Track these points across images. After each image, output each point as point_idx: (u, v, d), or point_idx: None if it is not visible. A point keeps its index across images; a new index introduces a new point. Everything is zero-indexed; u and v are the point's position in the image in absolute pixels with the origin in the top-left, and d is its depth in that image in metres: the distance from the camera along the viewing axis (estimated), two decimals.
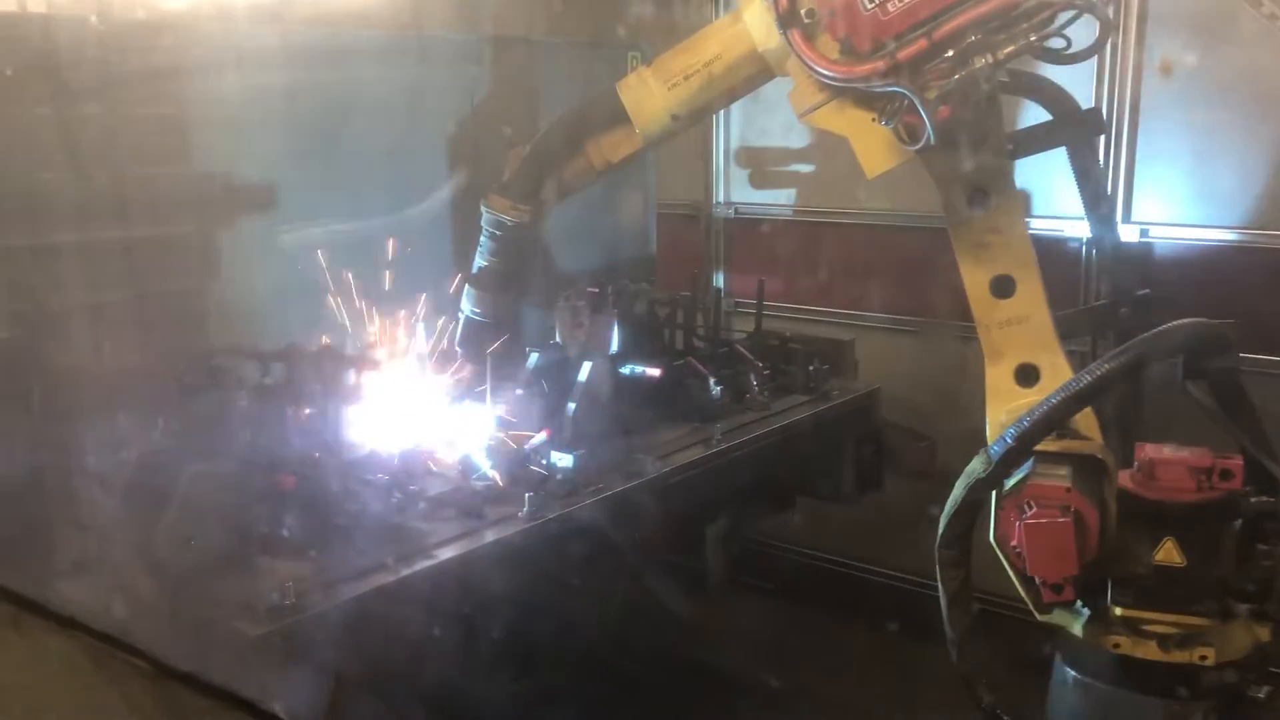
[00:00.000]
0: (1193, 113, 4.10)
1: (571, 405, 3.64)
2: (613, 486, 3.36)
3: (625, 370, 3.88)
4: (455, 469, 3.28)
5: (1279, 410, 3.02)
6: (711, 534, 4.85)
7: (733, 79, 3.12)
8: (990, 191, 2.89)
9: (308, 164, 3.65)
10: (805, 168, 5.15)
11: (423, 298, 3.49)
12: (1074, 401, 2.66)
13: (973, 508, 2.78)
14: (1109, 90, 4.18)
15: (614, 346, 4.00)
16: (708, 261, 5.41)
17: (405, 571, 2.81)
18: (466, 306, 3.64)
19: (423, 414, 3.45)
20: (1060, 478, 2.75)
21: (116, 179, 3.18)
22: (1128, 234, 4.17)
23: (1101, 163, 4.13)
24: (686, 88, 3.15)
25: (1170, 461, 2.79)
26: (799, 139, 5.03)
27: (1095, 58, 4.06)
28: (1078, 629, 2.90)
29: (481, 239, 3.59)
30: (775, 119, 4.93)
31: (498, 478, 3.22)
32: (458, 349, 3.62)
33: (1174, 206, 4.19)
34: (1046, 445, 2.79)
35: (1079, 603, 2.86)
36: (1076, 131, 3.43)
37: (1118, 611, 2.81)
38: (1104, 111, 4.13)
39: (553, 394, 3.65)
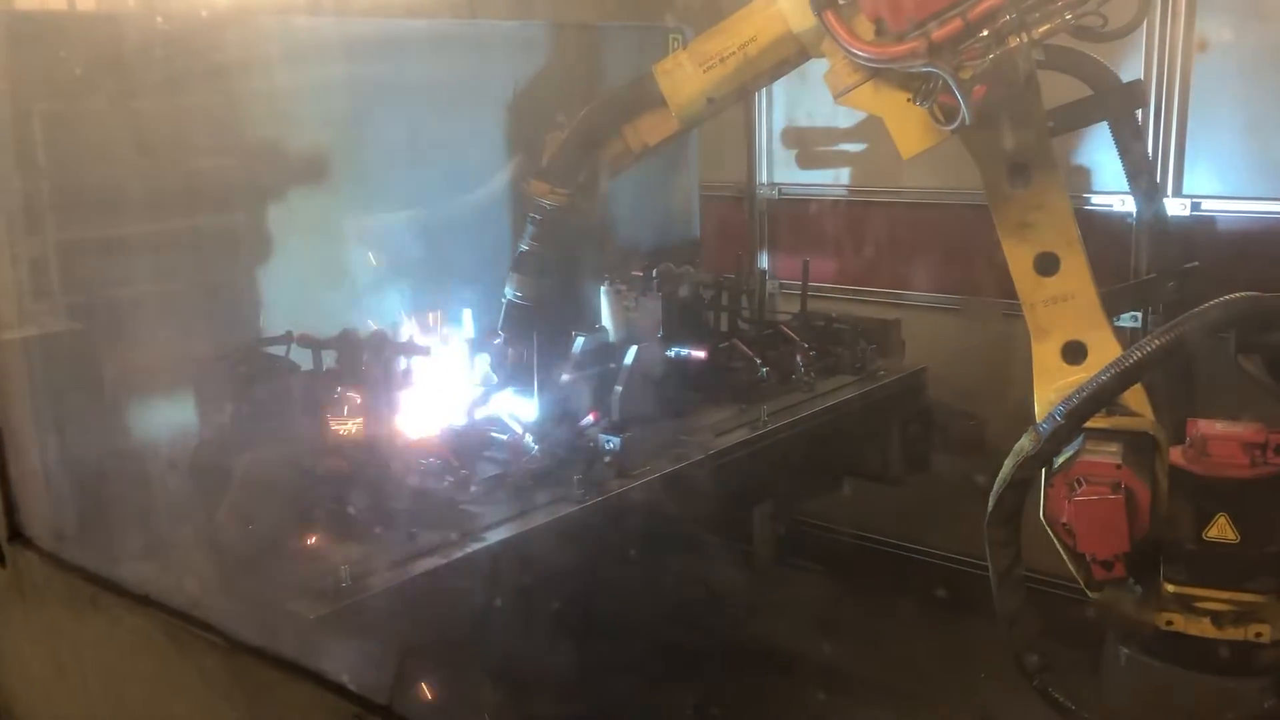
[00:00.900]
0: (1245, 84, 4.02)
1: (618, 388, 3.67)
2: (660, 469, 3.38)
3: (671, 353, 3.90)
4: (505, 452, 3.33)
5: None
6: (759, 515, 4.88)
7: (768, 61, 3.13)
8: (1031, 168, 2.87)
9: (362, 154, 3.70)
10: (849, 147, 5.11)
11: (470, 285, 3.54)
12: (1123, 378, 2.64)
13: (1022, 485, 2.77)
14: (1158, 63, 4.11)
15: (660, 329, 4.02)
16: (752, 243, 5.40)
17: (456, 554, 2.86)
18: (509, 290, 3.70)
19: (472, 398, 3.50)
20: (1111, 454, 2.74)
21: (169, 172, 3.25)
22: (1179, 208, 4.11)
23: (1150, 137, 4.07)
24: (722, 70, 3.17)
25: (1223, 437, 2.77)
26: (843, 119, 5.00)
27: (1144, 30, 4.07)
28: (1130, 606, 2.89)
29: (527, 224, 3.65)
30: (819, 98, 4.89)
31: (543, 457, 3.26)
32: (500, 333, 3.69)
33: (1226, 180, 4.11)
34: (1097, 422, 2.77)
35: (1131, 580, 2.84)
36: (1117, 105, 3.38)
37: (1170, 588, 2.80)
38: (1153, 84, 4.06)
39: (600, 377, 3.68)
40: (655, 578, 3.56)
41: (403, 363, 3.36)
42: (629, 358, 3.70)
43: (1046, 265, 2.95)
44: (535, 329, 3.56)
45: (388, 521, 2.89)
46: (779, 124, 5.33)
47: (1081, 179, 4.33)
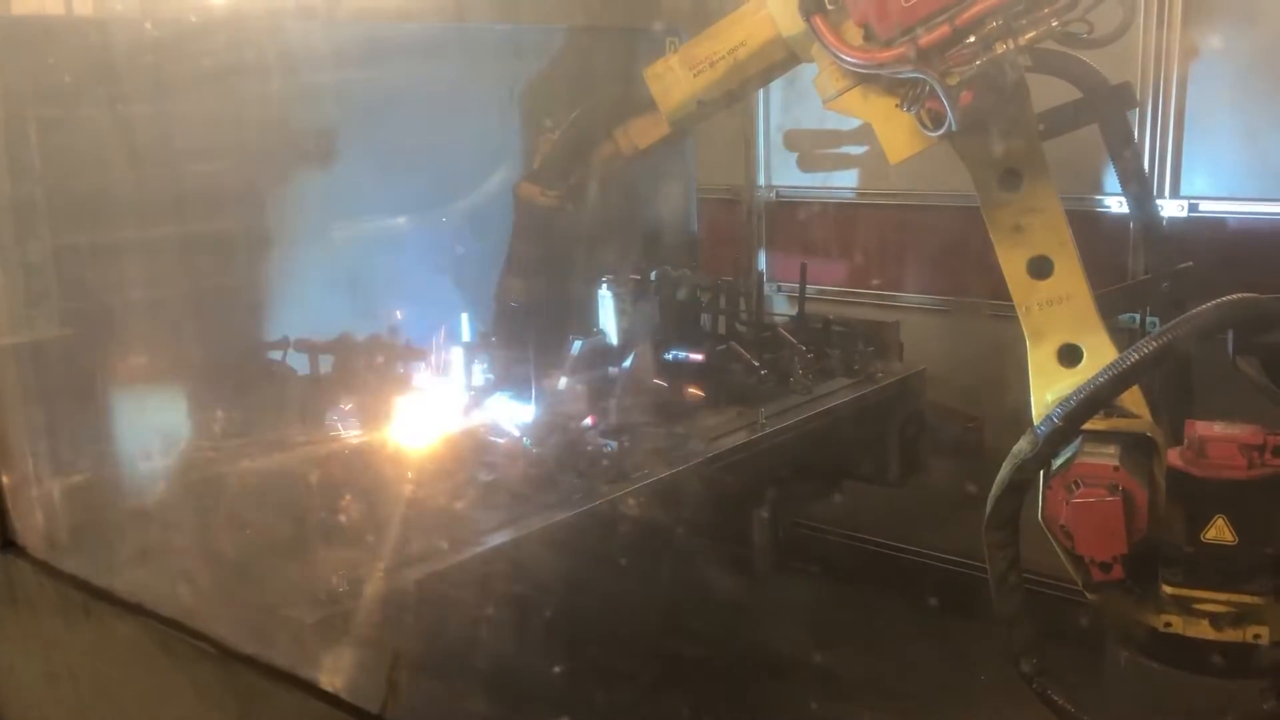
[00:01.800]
0: (1241, 85, 4.02)
1: (616, 391, 3.67)
2: (658, 472, 3.38)
3: (668, 356, 3.90)
4: (502, 455, 3.32)
5: None
6: (757, 518, 4.87)
7: (758, 65, 3.14)
8: (1022, 173, 2.87)
9: (352, 159, 3.70)
10: (847, 150, 5.12)
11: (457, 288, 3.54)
12: (1120, 380, 2.64)
13: (1020, 488, 2.77)
14: (1154, 66, 4.11)
15: (657, 332, 4.02)
16: (749, 245, 5.40)
17: (455, 558, 2.86)
18: (500, 293, 3.72)
19: (468, 401, 3.50)
20: (1108, 456, 2.73)
21: (163, 178, 3.24)
22: (1176, 209, 4.11)
23: (1147, 139, 4.07)
24: (712, 74, 3.17)
25: (1220, 438, 2.76)
26: (840, 121, 4.99)
27: (1139, 33, 4.07)
28: (1129, 608, 2.88)
29: (514, 226, 3.68)
30: (816, 101, 4.90)
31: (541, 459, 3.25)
32: (493, 337, 3.70)
33: (1223, 180, 4.11)
34: (1094, 424, 2.76)
35: (1129, 582, 2.84)
36: (1107, 108, 3.37)
37: (1168, 590, 2.79)
38: (1149, 87, 4.06)
39: (597, 380, 3.68)
40: (653, 582, 3.56)
41: (399, 366, 3.36)
42: (626, 361, 3.70)
43: (1040, 269, 2.95)
44: (529, 332, 3.56)
45: (382, 526, 2.89)
46: (776, 127, 5.33)
47: (1077, 180, 4.32)
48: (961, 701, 4.07)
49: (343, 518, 2.78)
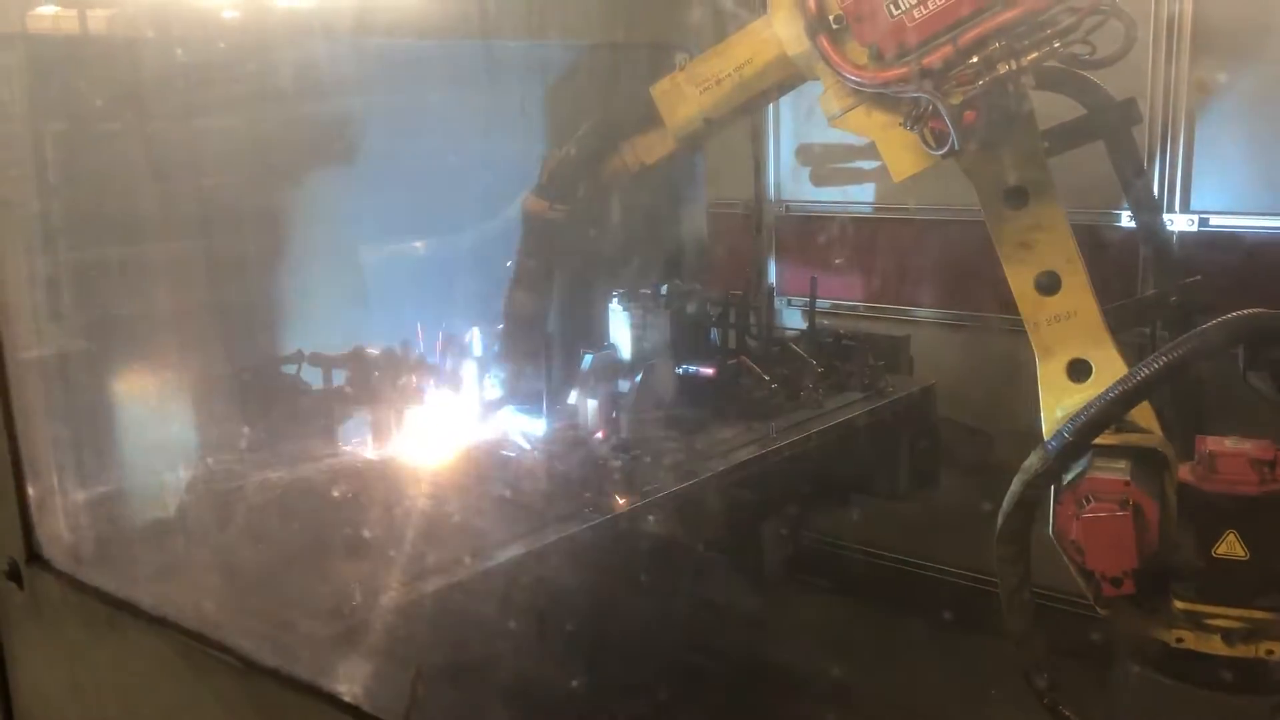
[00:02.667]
0: (1252, 99, 4.03)
1: (627, 406, 3.69)
2: (669, 486, 3.39)
3: (679, 370, 3.92)
4: (513, 469, 3.34)
5: None
6: (768, 532, 4.88)
7: (763, 83, 3.14)
8: (1028, 190, 2.89)
9: (372, 176, 3.74)
10: (856, 164, 5.14)
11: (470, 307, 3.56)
12: (1129, 396, 2.65)
13: (1031, 503, 2.77)
14: (1164, 79, 4.13)
15: (667, 346, 4.04)
16: (759, 260, 5.42)
17: (469, 571, 2.87)
18: (508, 307, 3.72)
19: (480, 415, 3.52)
20: (1119, 471, 2.74)
21: (181, 195, 3.28)
22: (1186, 224, 4.12)
23: (1157, 154, 4.08)
24: (718, 91, 3.18)
25: (1230, 454, 2.76)
26: (849, 137, 5.01)
27: (1149, 47, 4.09)
28: (1141, 623, 2.88)
29: (520, 239, 3.67)
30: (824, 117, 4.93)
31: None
32: (499, 350, 3.72)
33: (1234, 195, 4.12)
34: (1105, 438, 2.77)
35: (1140, 597, 2.84)
36: (1112, 124, 3.39)
37: (1180, 605, 2.79)
38: (1159, 102, 4.07)
39: (607, 394, 3.69)
40: (664, 595, 3.56)
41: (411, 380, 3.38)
42: (637, 375, 3.72)
43: (1048, 284, 2.96)
44: (537, 346, 3.59)
45: (397, 540, 2.91)
46: (786, 141, 5.35)
47: (1086, 195, 4.33)
48: (972, 715, 4.06)
49: (362, 531, 2.80)
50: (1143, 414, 2.89)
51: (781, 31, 2.95)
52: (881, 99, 2.76)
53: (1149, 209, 3.61)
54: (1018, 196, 2.91)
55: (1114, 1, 2.58)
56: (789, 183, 5.38)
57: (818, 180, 5.28)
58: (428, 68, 3.93)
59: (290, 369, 3.48)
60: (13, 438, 1.78)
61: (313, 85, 3.52)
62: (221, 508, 2.57)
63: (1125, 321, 3.29)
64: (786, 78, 3.13)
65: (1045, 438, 3.03)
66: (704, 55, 3.22)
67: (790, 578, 5.06)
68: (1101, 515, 2.67)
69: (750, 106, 3.39)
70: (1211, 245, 4.13)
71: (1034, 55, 2.57)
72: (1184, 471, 2.84)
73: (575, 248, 3.81)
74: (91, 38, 3.23)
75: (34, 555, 1.79)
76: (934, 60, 2.59)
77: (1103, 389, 2.94)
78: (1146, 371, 2.62)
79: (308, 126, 3.60)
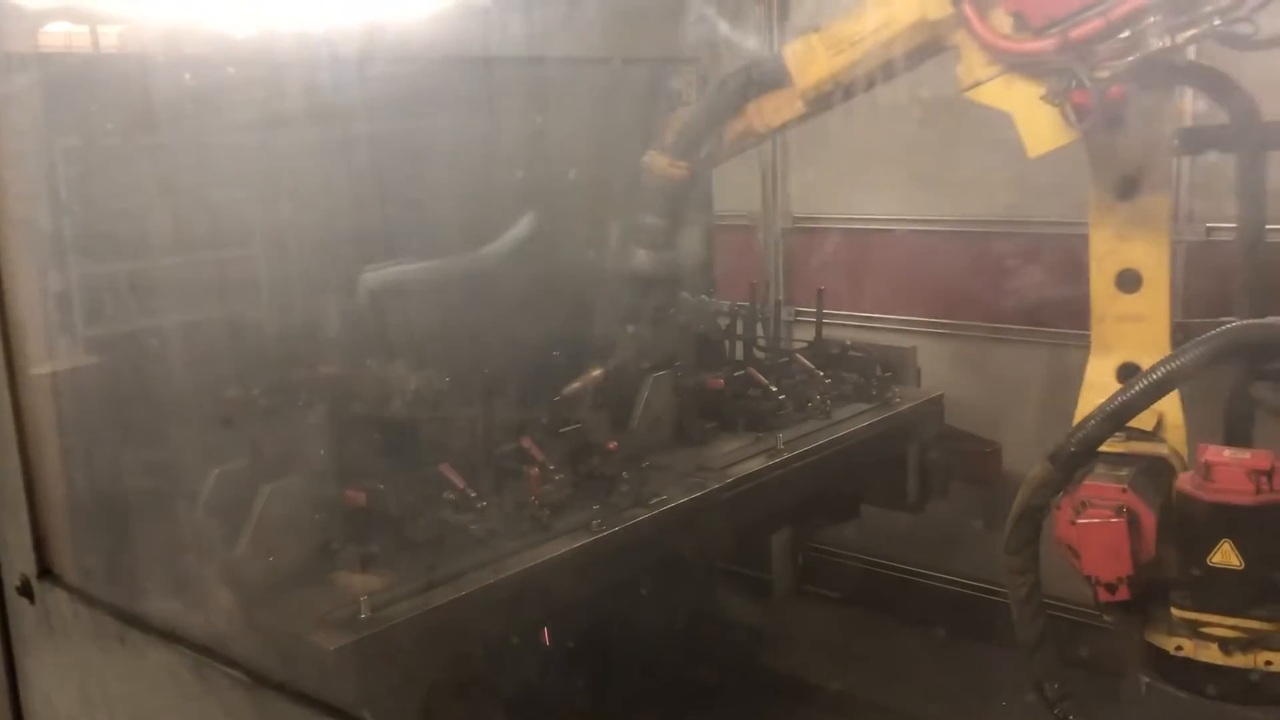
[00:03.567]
0: None
1: (635, 417, 3.70)
2: (677, 498, 3.40)
3: (687, 381, 3.92)
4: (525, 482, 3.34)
5: None
6: (776, 543, 4.88)
7: (900, 47, 3.06)
8: (1141, 182, 2.84)
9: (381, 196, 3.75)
10: (863, 176, 5.15)
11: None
12: (1132, 405, 2.64)
13: (1037, 513, 2.77)
14: None
15: (676, 358, 4.04)
16: (767, 272, 5.43)
17: (475, 584, 2.88)
18: (637, 265, 3.66)
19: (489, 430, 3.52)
20: (1118, 478, 2.73)
21: (196, 212, 3.30)
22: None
23: None
24: (853, 53, 3.11)
25: (1227, 463, 2.75)
26: (856, 148, 5.04)
27: None
28: (1142, 630, 2.87)
29: (641, 197, 3.62)
30: (832, 129, 4.93)
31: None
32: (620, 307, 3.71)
33: None
34: (1113, 446, 2.76)
35: (1136, 604, 2.83)
36: (1253, 143, 3.15)
37: (1178, 613, 2.78)
38: None
39: (616, 406, 3.70)
40: (672, 607, 3.56)
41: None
42: (645, 387, 3.73)
43: (1128, 282, 2.92)
44: (655, 304, 3.63)
45: (404, 552, 2.93)
46: (794, 154, 5.37)
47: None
48: None
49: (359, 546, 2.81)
50: (1171, 421, 2.87)
51: None
52: (1023, 70, 2.70)
53: (1255, 238, 3.47)
54: (1129, 186, 2.85)
55: None
56: (795, 195, 5.39)
57: (824, 192, 5.28)
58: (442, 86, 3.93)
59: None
60: (25, 455, 1.80)
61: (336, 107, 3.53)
62: (222, 522, 2.53)
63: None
64: (922, 44, 3.03)
65: None
66: (842, 16, 3.16)
67: (797, 587, 5.06)
68: (1095, 521, 2.67)
69: (882, 73, 3.26)
70: None
71: (1192, 32, 2.49)
72: (1183, 480, 2.84)
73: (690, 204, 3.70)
74: (90, 55, 3.26)
75: (45, 570, 1.81)
76: (1084, 32, 2.53)
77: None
78: (1143, 383, 2.62)
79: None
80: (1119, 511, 2.67)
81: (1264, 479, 2.69)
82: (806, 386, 4.14)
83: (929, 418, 4.27)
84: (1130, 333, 2.94)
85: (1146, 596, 2.78)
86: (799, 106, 3.31)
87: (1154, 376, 2.61)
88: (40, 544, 1.80)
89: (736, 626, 4.33)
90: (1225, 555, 2.71)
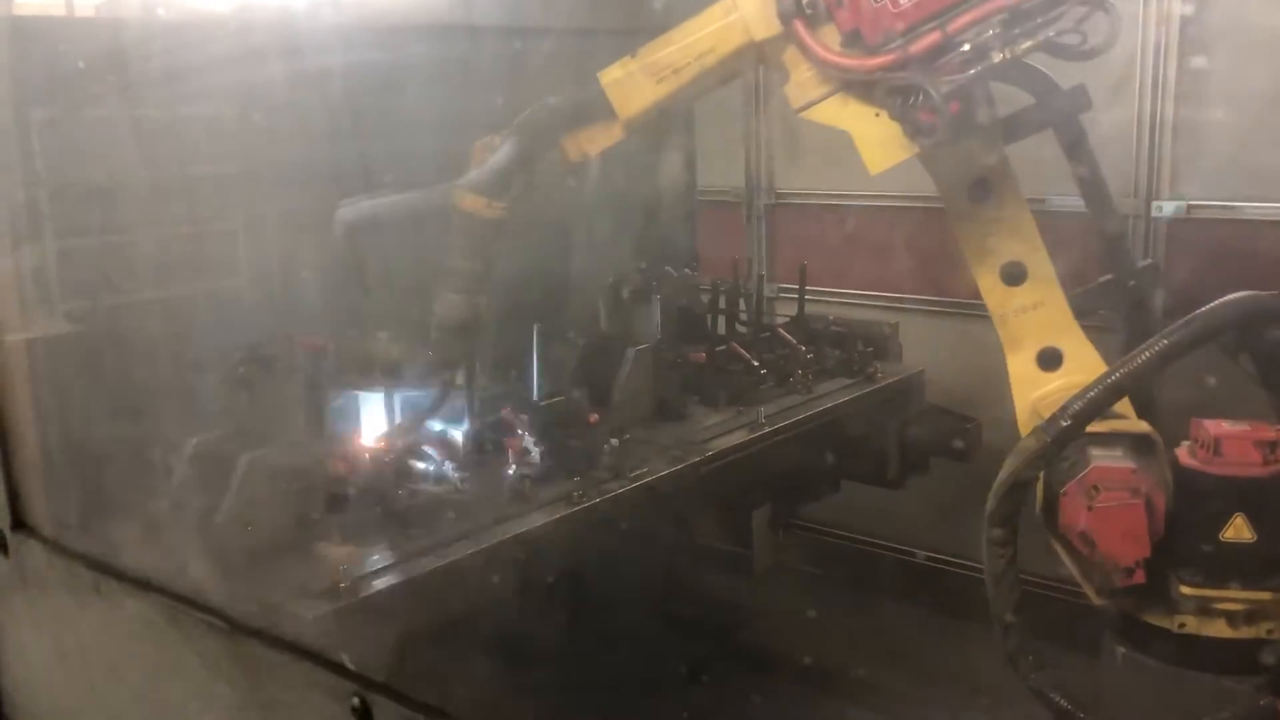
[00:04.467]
0: (1235, 86, 4.06)
1: (616, 390, 3.69)
2: (657, 471, 3.40)
3: (669, 355, 3.92)
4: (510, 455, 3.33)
5: None
6: (757, 518, 4.90)
7: (725, 71, 3.01)
8: (991, 181, 2.88)
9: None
10: (845, 152, 5.14)
11: None
12: (1130, 379, 2.65)
13: (1023, 487, 2.78)
14: (1152, 67, 4.16)
15: (657, 332, 4.04)
16: (749, 247, 5.43)
17: (455, 555, 2.88)
18: (438, 309, 3.35)
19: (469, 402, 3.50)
20: (1122, 459, 2.74)
21: (171, 177, 3.27)
22: (1171, 210, 4.16)
23: (1145, 141, 4.07)
24: (677, 80, 2.99)
25: (1235, 436, 2.77)
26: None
27: (1139, 33, 4.11)
28: (1141, 610, 2.89)
29: (452, 238, 3.32)
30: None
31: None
32: (430, 354, 3.40)
33: (1217, 182, 4.15)
34: (1096, 425, 2.77)
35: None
36: (1062, 111, 3.20)
37: (1186, 591, 2.78)
38: (1147, 88, 4.08)
39: (598, 379, 3.69)
40: (652, 580, 3.57)
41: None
42: (626, 360, 3.72)
43: (1013, 275, 2.98)
44: (469, 352, 3.37)
45: (386, 523, 2.92)
46: (776, 129, 5.36)
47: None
48: (957, 699, 4.09)
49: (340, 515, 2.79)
50: (1120, 401, 2.90)
51: (751, 17, 2.82)
52: (857, 88, 2.68)
53: (1099, 195, 3.57)
54: (981, 188, 2.91)
55: None
56: (779, 171, 5.39)
57: (807, 167, 5.28)
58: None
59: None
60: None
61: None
62: (202, 488, 2.54)
63: (1087, 307, 3.26)
64: (748, 64, 2.99)
65: (1020, 429, 3.06)
66: (658, 42, 3.02)
67: (777, 562, 5.08)
68: (1114, 505, 2.67)
69: (705, 93, 3.20)
70: (1198, 231, 4.16)
71: (1028, 44, 2.52)
72: (1184, 455, 2.85)
73: (503, 245, 3.37)
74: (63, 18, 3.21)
75: (19, 523, 1.79)
76: (923, 46, 2.53)
77: (1075, 376, 2.97)
78: (1145, 356, 2.63)
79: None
80: (1135, 493, 2.67)
81: (1269, 449, 2.72)
82: (788, 362, 4.14)
83: (910, 393, 4.29)
84: (1034, 321, 2.99)
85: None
86: (619, 134, 3.18)
87: (1153, 350, 2.62)
88: (14, 498, 1.78)
89: (713, 602, 4.35)
90: (1238, 530, 2.73)
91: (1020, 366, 3.06)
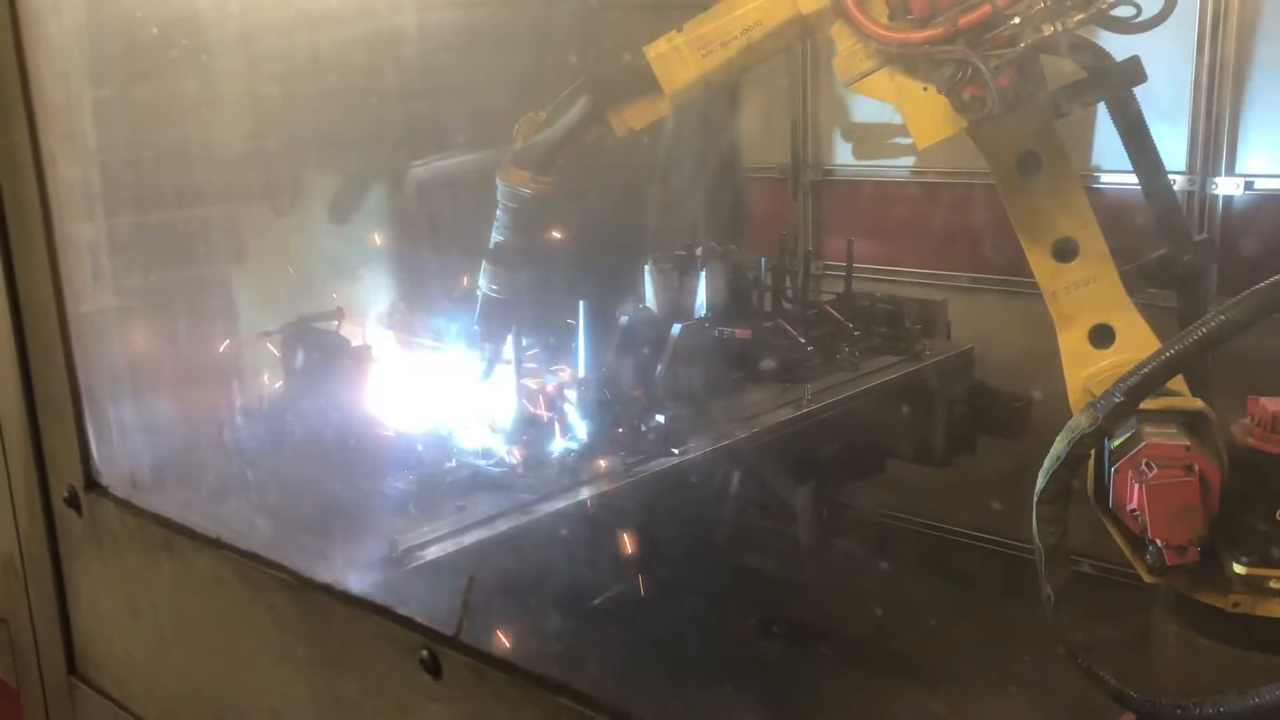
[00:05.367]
0: None
1: (661, 366, 3.70)
2: (702, 447, 3.41)
3: (715, 332, 3.93)
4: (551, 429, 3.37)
5: None
6: (801, 495, 4.89)
7: (772, 44, 2.99)
8: (1041, 155, 2.84)
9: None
10: (893, 127, 5.11)
11: None
12: (1185, 356, 2.60)
13: (1076, 463, 2.73)
14: (1210, 41, 4.07)
15: (703, 308, 4.05)
16: (796, 224, 5.40)
17: (504, 526, 2.91)
18: (484, 283, 3.47)
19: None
20: (1176, 435, 2.71)
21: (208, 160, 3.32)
22: (1232, 187, 4.08)
23: (1202, 116, 4.00)
24: (723, 54, 2.99)
25: None
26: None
27: (1197, 7, 4.04)
28: (1194, 589, 2.86)
29: (497, 212, 3.42)
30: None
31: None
32: (475, 328, 3.51)
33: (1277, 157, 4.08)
34: (1149, 403, 2.74)
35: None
36: (1115, 84, 3.15)
37: (1240, 570, 2.75)
38: (1205, 63, 4.01)
39: (643, 355, 3.70)
40: (696, 556, 3.58)
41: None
42: (672, 336, 3.73)
43: (1065, 251, 2.93)
44: (512, 325, 3.44)
45: (435, 494, 2.96)
46: (824, 104, 5.32)
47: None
48: (1003, 678, 4.07)
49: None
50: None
51: None
52: (904, 61, 2.65)
53: (1154, 170, 3.51)
54: (1031, 161, 2.86)
55: None
56: (826, 147, 5.36)
57: (855, 143, 5.24)
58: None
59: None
60: (71, 370, 1.83)
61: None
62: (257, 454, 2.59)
63: (1135, 285, 3.22)
64: (796, 37, 2.97)
65: (1072, 408, 3.03)
66: (705, 15, 3.02)
67: (822, 541, 5.08)
68: (1167, 482, 2.64)
69: (752, 67, 3.18)
70: (1259, 208, 4.09)
71: (1080, 16, 2.48)
72: (1240, 433, 2.81)
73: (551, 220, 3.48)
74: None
75: (92, 482, 1.84)
76: (972, 19, 2.49)
77: (1128, 353, 2.93)
78: (1202, 332, 2.58)
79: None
80: (1188, 470, 2.64)
81: None
82: (835, 339, 4.13)
83: (958, 371, 4.26)
84: (1086, 297, 2.93)
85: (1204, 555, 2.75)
86: (665, 108, 3.17)
87: (1209, 326, 2.57)
88: (86, 457, 1.84)
89: (759, 577, 4.35)
90: None
91: (1071, 344, 3.02)
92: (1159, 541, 2.69)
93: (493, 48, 3.90)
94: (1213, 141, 4.11)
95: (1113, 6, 2.52)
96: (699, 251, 4.19)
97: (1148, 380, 2.64)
